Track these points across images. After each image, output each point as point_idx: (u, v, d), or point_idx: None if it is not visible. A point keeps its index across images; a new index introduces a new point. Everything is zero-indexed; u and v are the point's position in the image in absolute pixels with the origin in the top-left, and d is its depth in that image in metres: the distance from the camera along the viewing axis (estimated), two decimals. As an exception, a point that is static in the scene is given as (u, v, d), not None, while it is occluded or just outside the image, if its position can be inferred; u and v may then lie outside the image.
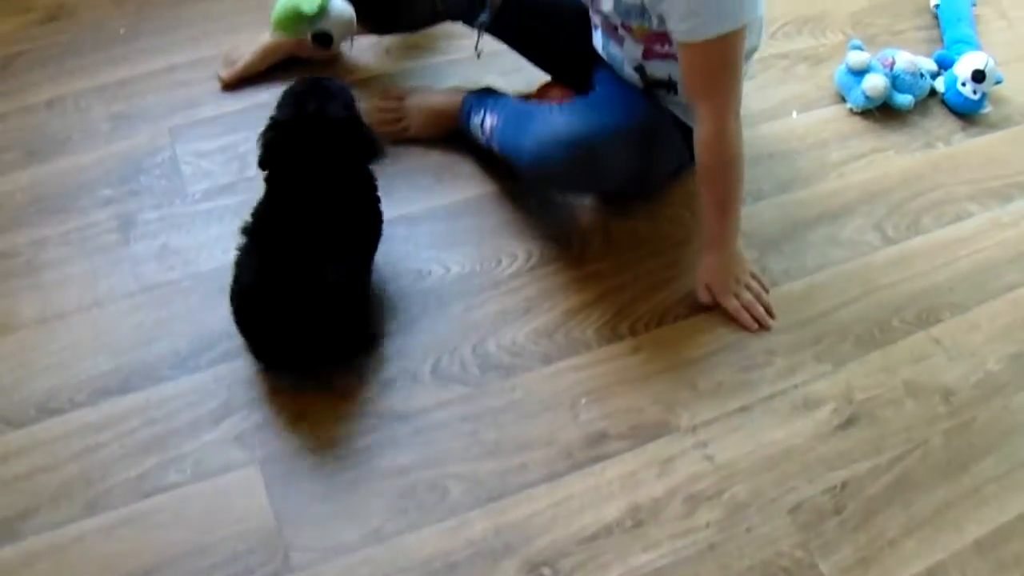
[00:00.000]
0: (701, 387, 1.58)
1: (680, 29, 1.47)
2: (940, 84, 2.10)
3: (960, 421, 1.58)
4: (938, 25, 2.27)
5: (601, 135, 1.59)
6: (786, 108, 2.05)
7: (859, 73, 2.04)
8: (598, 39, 1.76)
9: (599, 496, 1.44)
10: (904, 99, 2.04)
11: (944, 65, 2.12)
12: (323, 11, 1.88)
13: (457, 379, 1.55)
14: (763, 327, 1.66)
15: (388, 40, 2.02)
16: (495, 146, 1.74)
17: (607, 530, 1.41)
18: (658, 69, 1.65)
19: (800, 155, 1.96)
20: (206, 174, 1.78)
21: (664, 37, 1.55)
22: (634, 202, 1.82)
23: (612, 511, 1.43)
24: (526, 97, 1.88)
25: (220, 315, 1.55)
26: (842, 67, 2.08)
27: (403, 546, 1.38)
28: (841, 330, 1.67)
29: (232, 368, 1.53)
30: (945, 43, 2.21)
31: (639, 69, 1.67)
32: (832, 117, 2.05)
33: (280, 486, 1.41)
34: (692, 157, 1.60)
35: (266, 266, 1.45)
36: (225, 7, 2.09)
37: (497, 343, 1.60)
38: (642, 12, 1.54)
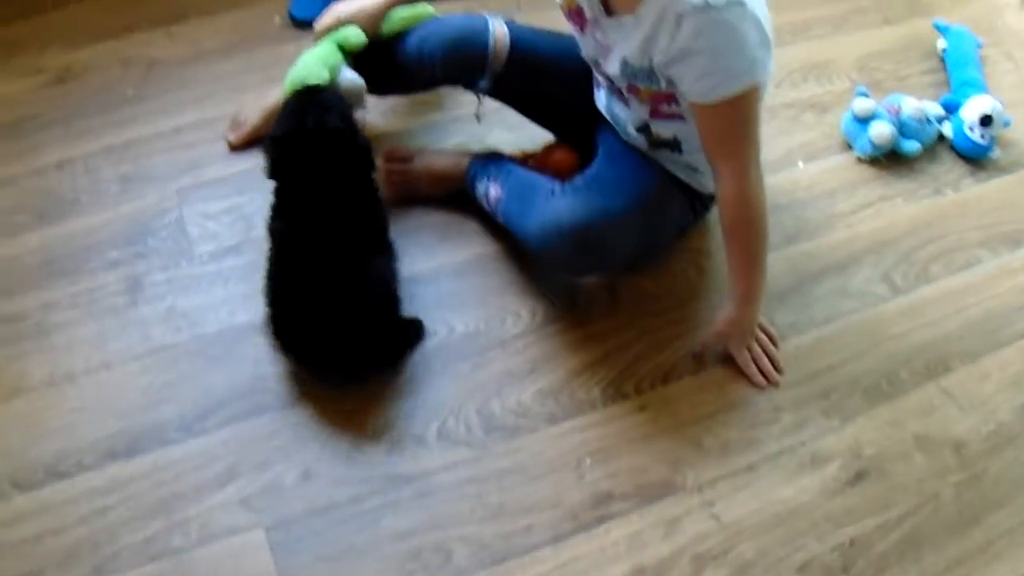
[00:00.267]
0: (707, 445, 1.57)
1: (694, 91, 1.43)
2: (948, 129, 2.08)
3: (971, 474, 1.56)
4: (944, 68, 2.26)
5: (604, 220, 1.56)
6: (792, 158, 2.04)
7: (865, 121, 2.03)
8: (601, 98, 1.74)
9: (604, 558, 1.44)
10: (911, 146, 2.03)
11: (951, 109, 2.10)
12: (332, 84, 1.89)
13: (462, 441, 1.55)
14: (771, 382, 1.64)
15: (392, 98, 2.03)
16: (500, 219, 1.74)
17: (613, 592, 1.41)
18: (664, 129, 1.61)
19: (807, 205, 1.95)
20: (213, 235, 1.79)
21: (671, 97, 1.52)
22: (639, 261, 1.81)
23: (617, 573, 1.42)
24: (530, 157, 1.88)
25: (226, 377, 1.57)
26: (848, 114, 2.07)
27: (409, 610, 1.37)
28: (849, 384, 1.66)
29: (238, 431, 1.54)
30: (952, 86, 2.19)
31: (644, 129, 1.63)
32: (839, 166, 2.04)
33: (285, 549, 1.42)
34: (696, 216, 1.58)
35: (299, 277, 1.51)
36: (231, 67, 2.11)
37: (502, 404, 1.60)
38: (650, 75, 1.49)
